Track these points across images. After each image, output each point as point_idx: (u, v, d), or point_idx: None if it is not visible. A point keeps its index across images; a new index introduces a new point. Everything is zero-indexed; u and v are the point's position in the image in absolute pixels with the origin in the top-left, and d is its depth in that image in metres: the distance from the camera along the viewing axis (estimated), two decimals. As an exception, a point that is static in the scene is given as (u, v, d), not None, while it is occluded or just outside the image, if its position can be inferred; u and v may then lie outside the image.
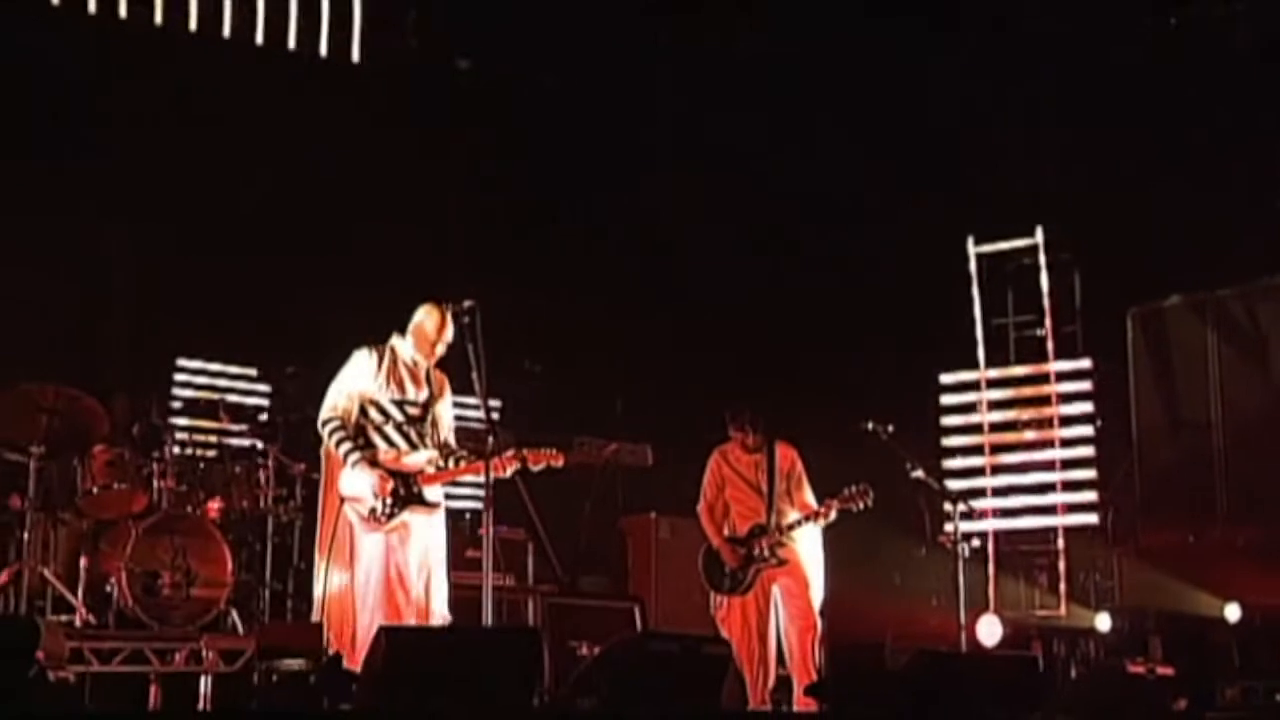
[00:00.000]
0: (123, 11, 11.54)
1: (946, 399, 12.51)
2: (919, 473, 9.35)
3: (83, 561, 8.78)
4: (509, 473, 7.62)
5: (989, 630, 11.37)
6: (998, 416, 12.37)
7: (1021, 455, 12.26)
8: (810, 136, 12.41)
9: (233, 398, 11.14)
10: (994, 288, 12.54)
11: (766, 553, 9.28)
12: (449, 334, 7.76)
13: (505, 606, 9.50)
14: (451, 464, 7.74)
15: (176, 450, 9.35)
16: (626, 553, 10.90)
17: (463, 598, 9.33)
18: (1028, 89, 12.16)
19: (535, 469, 7.79)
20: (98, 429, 9.22)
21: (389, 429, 7.71)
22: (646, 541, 10.71)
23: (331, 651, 7.53)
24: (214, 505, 9.49)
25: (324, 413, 7.75)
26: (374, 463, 7.58)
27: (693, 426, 10.21)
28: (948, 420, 12.48)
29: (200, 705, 8.31)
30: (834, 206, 12.41)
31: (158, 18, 11.68)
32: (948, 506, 9.63)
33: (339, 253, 11.49)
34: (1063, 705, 9.38)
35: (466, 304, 7.62)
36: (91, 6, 11.44)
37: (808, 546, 9.44)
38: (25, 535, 8.76)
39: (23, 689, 5.20)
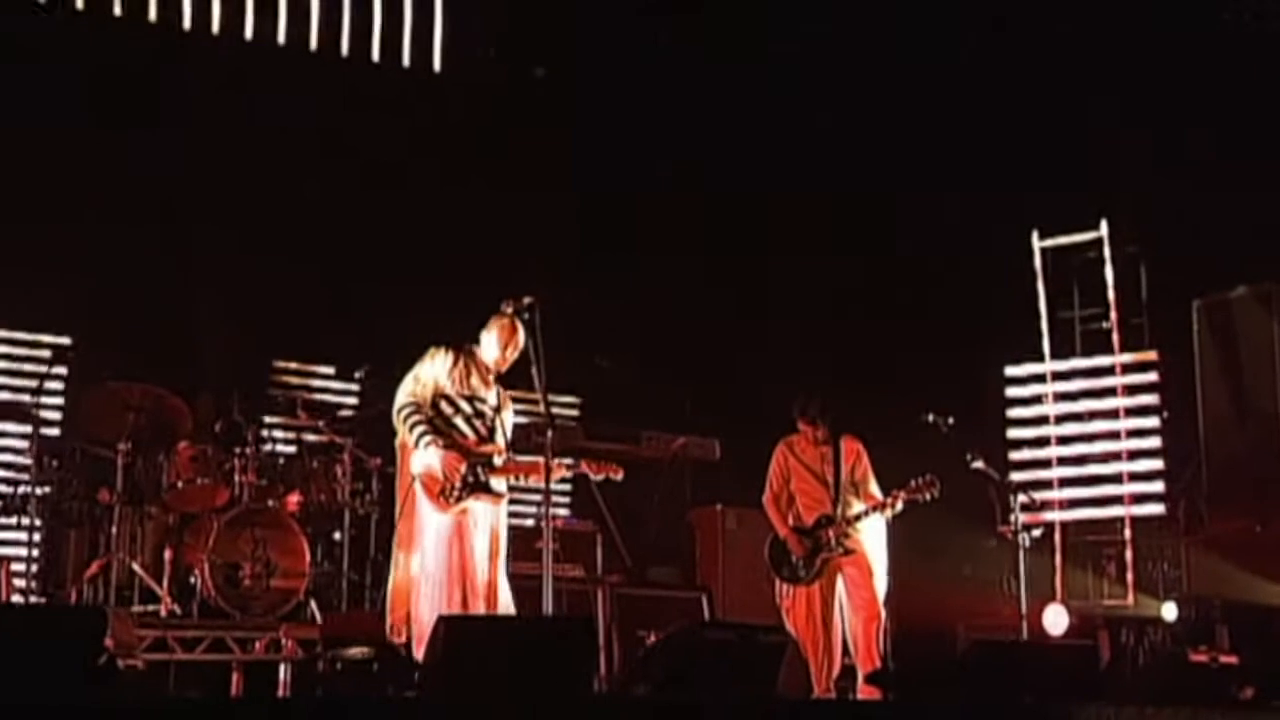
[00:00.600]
0: (215, 27, 11.95)
1: (1012, 391, 12.59)
2: (979, 463, 9.47)
3: (167, 554, 9.13)
4: (564, 476, 7.86)
5: (1055, 620, 11.43)
6: (1064, 408, 12.44)
7: (1088, 446, 12.32)
8: (874, 129, 12.51)
9: (322, 396, 11.53)
10: (1059, 281, 12.60)
11: (833, 543, 9.46)
12: (520, 340, 7.97)
13: (570, 597, 9.69)
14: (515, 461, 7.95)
15: (255, 447, 9.64)
16: (695, 544, 11.08)
17: (529, 588, 9.61)
18: (1094, 82, 12.16)
19: (596, 479, 8.05)
20: (182, 426, 9.60)
21: (458, 420, 7.92)
22: (714, 533, 10.85)
23: (396, 636, 7.76)
24: (293, 499, 9.78)
25: (400, 399, 7.94)
26: (445, 445, 7.78)
27: (759, 420, 10.37)
28: (1013, 413, 12.56)
29: (280, 692, 8.65)
30: (899, 201, 12.52)
31: (248, 32, 12.08)
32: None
33: (420, 254, 11.79)
34: (1123, 693, 9.51)
35: (527, 300, 7.84)
36: (186, 23, 11.87)
37: (873, 537, 9.58)
38: (114, 529, 9.14)
39: (91, 676, 5.41)
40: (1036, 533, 9.34)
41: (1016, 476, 12.17)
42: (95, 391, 9.63)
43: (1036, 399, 12.49)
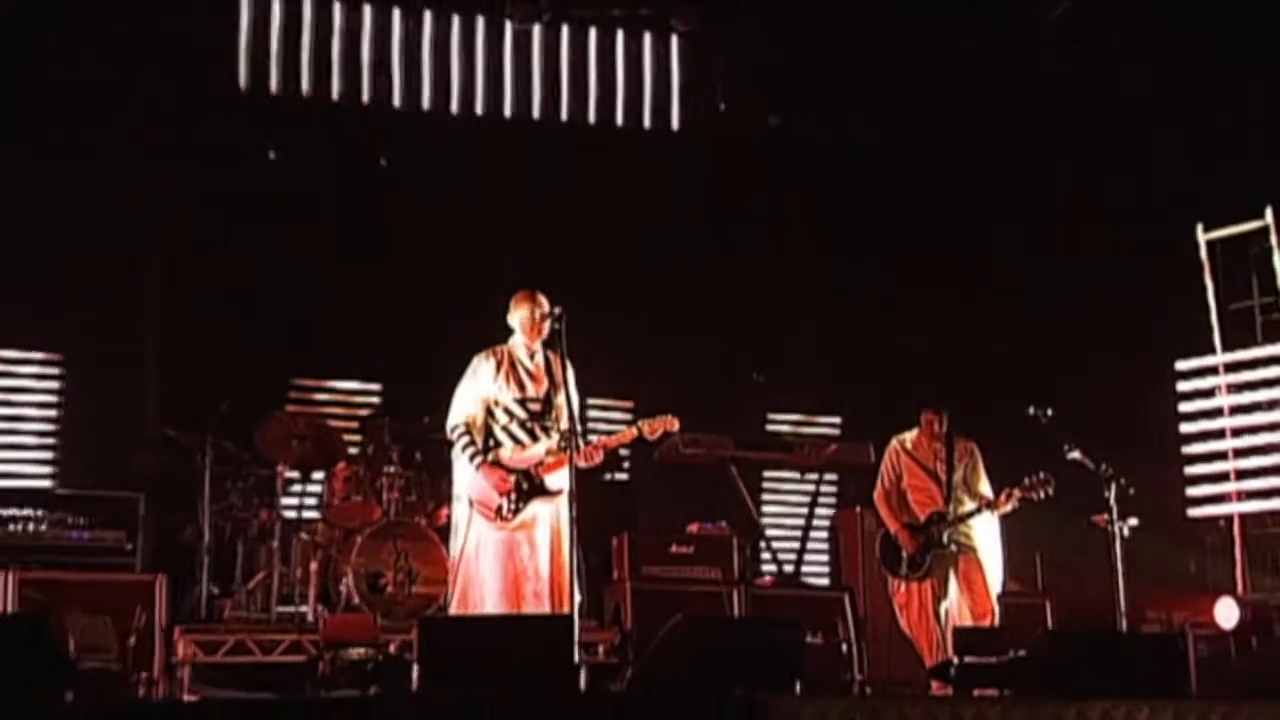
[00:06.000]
0: (478, 108, 12.98)
1: (1183, 386, 12.38)
2: (1075, 454, 9.47)
3: (313, 566, 10.06)
4: (598, 459, 8.18)
5: (1226, 613, 11.20)
6: (1240, 399, 12.15)
7: (1267, 437, 12.01)
8: (1032, 130, 12.56)
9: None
10: (1232, 272, 12.30)
11: (945, 539, 9.71)
12: (544, 305, 8.29)
13: (704, 600, 10.08)
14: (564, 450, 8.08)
15: (403, 466, 10.48)
16: (839, 546, 11.37)
17: (663, 591, 10.09)
18: (1251, 66, 11.88)
19: (652, 437, 8.24)
20: (340, 450, 10.55)
21: (514, 427, 8.26)
22: (854, 534, 11.09)
23: None
24: (444, 513, 10.56)
25: (451, 420, 8.33)
26: (496, 463, 8.21)
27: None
28: (1185, 406, 12.35)
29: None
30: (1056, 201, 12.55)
31: (507, 111, 13.04)
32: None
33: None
34: (1239, 682, 9.37)
35: (556, 310, 8.20)
36: (454, 105, 12.95)
37: (987, 535, 9.81)
38: (275, 543, 10.15)
39: (30, 685, 5.66)
40: (1134, 521, 9.28)
41: (1190, 470, 12.08)
42: (269, 421, 10.62)
43: (1209, 392, 12.25)
